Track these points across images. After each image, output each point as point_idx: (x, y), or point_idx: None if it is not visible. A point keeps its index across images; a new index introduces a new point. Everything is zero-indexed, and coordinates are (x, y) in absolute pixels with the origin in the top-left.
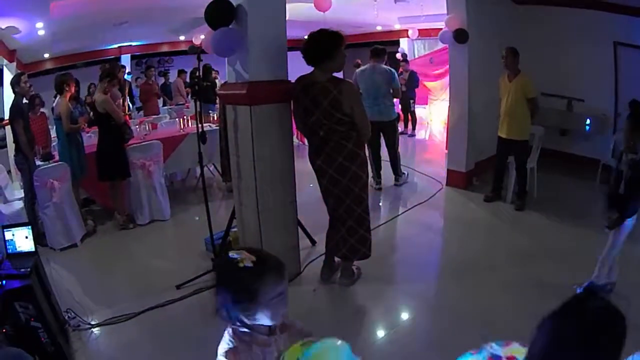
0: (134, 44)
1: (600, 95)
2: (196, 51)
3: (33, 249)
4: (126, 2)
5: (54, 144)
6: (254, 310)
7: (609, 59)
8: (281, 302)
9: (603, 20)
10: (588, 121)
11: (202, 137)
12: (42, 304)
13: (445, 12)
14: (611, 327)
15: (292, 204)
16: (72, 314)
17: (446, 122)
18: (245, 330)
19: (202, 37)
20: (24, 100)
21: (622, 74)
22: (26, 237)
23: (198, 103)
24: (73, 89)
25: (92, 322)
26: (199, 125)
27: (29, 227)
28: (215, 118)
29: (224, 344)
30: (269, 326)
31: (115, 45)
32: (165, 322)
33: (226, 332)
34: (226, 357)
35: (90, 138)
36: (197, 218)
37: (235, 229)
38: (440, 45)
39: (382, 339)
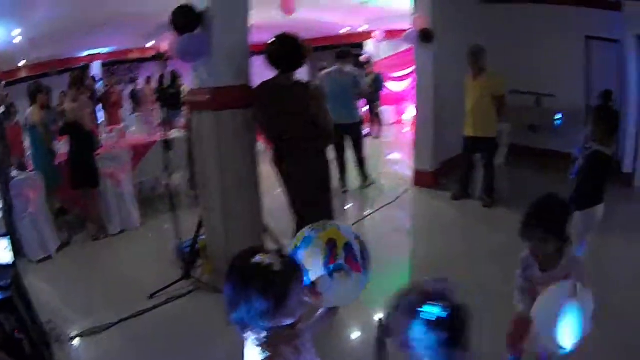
0: (104, 51)
1: (571, 90)
2: (162, 57)
3: (12, 261)
4: (98, 8)
5: (27, 153)
6: (279, 312)
7: (580, 54)
8: (303, 300)
9: (574, 14)
10: (559, 116)
11: (167, 144)
12: (24, 316)
13: (411, 12)
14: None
15: (258, 209)
16: (53, 325)
17: (412, 122)
18: (270, 333)
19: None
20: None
21: (593, 68)
22: (5, 249)
23: (164, 110)
24: (46, 98)
25: (72, 334)
26: (165, 133)
27: (8, 238)
28: (182, 125)
29: (257, 357)
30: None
31: (86, 53)
32: (140, 332)
33: (250, 345)
34: None
35: (62, 147)
36: (166, 226)
37: (203, 237)
38: (406, 46)
39: (356, 340)
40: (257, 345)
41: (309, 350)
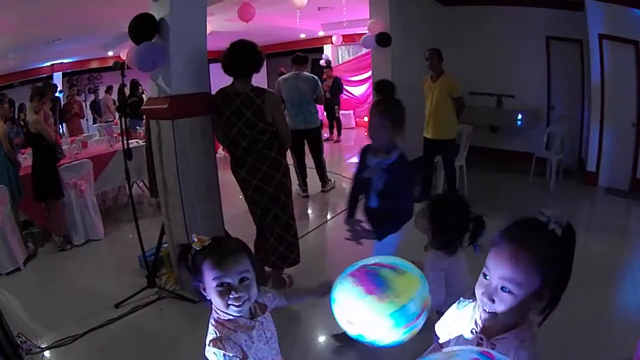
0: (65, 61)
1: (531, 90)
2: (120, 67)
3: None
4: (58, 19)
5: None
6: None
7: (541, 54)
8: (223, 292)
9: (535, 15)
10: (519, 116)
11: (127, 153)
12: None
13: (368, 16)
14: None
15: (219, 216)
16: (24, 338)
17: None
18: (227, 317)
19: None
20: None
21: (554, 68)
22: None
23: (124, 119)
24: (8, 110)
25: (43, 346)
26: (124, 142)
27: None
28: (142, 134)
29: (209, 335)
30: (249, 310)
31: (48, 63)
32: (107, 342)
33: (210, 322)
34: (214, 347)
35: (26, 159)
36: (130, 236)
37: (166, 245)
38: (365, 51)
39: (322, 344)
40: (212, 325)
41: (267, 341)
